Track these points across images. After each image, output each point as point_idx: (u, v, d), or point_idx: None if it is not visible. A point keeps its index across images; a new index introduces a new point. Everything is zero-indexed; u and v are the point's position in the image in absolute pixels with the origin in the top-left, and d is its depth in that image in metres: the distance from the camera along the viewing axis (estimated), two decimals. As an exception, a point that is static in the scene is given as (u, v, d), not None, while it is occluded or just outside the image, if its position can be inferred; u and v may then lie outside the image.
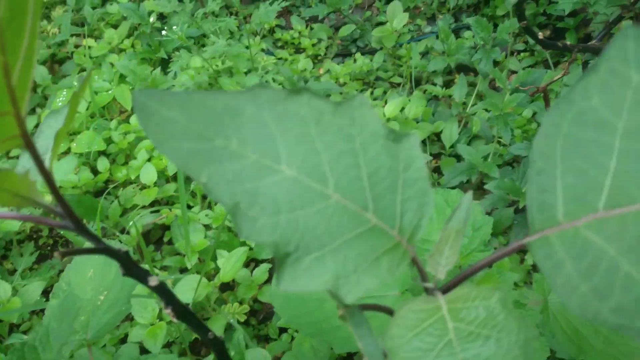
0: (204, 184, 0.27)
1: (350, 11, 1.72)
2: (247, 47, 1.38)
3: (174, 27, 1.05)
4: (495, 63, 1.46)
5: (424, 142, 1.26)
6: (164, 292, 0.40)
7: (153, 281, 0.39)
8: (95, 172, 1.16)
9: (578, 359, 0.61)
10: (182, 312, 0.41)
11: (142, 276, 0.39)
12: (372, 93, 1.41)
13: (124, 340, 0.88)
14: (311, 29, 1.64)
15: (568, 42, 0.71)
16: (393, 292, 0.57)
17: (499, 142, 1.21)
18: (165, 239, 1.07)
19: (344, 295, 0.28)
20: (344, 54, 1.59)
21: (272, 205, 0.27)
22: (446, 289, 0.33)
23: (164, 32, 1.10)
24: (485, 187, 1.01)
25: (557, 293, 0.26)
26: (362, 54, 1.56)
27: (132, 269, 0.38)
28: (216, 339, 0.46)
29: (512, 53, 1.50)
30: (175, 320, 0.42)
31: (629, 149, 0.25)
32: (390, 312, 0.36)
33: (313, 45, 1.57)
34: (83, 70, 1.45)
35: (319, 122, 0.29)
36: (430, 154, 1.26)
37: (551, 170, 0.27)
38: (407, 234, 0.31)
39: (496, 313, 0.29)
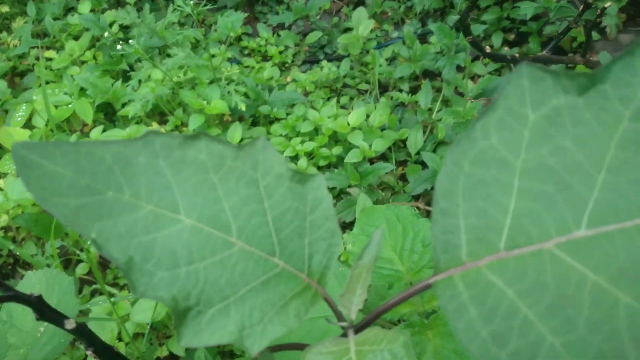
0: (93, 239, 0.26)
1: (317, 17, 1.72)
2: (213, 56, 1.36)
3: (131, 41, 1.04)
4: (461, 68, 1.46)
5: (390, 149, 1.26)
6: (83, 334, 0.39)
7: (70, 324, 0.38)
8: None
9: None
10: (103, 351, 0.40)
11: (57, 320, 0.38)
12: (338, 101, 1.41)
13: (81, 363, 0.86)
14: (278, 36, 1.63)
15: (517, 54, 0.71)
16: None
17: (463, 148, 1.22)
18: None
19: (249, 347, 0.27)
20: (311, 61, 1.59)
21: (170, 257, 0.26)
22: (360, 327, 0.33)
23: (119, 47, 1.08)
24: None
25: (458, 338, 0.26)
26: (330, 60, 1.55)
27: (46, 313, 0.37)
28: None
29: (477, 57, 1.51)
30: None
31: (527, 188, 0.25)
32: (301, 348, 0.36)
33: (280, 52, 1.57)
34: (46, 82, 1.43)
35: (220, 167, 0.28)
36: (396, 162, 1.25)
37: (454, 210, 0.27)
38: (316, 276, 0.30)
39: (399, 357, 0.28)
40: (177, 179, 0.27)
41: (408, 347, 0.29)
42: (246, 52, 1.59)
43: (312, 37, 1.57)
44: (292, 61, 1.58)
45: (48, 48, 1.55)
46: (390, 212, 0.69)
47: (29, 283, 0.59)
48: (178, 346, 0.27)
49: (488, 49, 0.68)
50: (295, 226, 0.29)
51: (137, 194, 0.27)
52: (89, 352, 0.40)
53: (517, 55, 0.71)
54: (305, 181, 0.29)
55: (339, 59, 1.55)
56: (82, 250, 1.05)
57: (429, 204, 1.17)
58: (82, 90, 1.30)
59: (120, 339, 0.86)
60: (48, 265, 1.04)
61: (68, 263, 1.08)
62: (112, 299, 0.87)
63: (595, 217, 0.23)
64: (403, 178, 1.24)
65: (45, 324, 0.58)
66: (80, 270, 1.00)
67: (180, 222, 0.27)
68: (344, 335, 0.33)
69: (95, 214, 0.26)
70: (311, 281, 0.30)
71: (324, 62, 1.49)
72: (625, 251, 0.22)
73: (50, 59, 1.45)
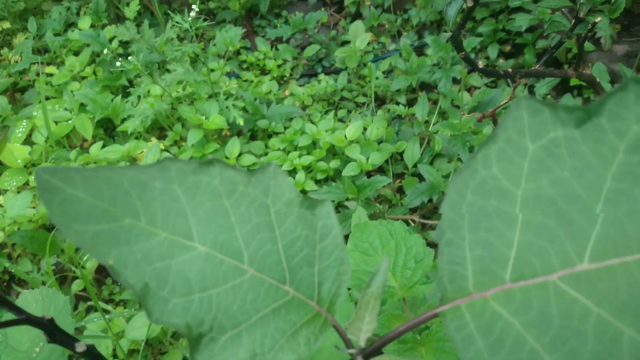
0: (110, 266, 0.26)
1: (315, 30, 1.73)
2: (212, 70, 1.37)
3: (130, 57, 1.05)
4: (457, 80, 1.48)
5: (387, 162, 1.27)
6: (92, 357, 0.39)
7: (80, 347, 0.38)
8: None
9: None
10: None
11: (68, 343, 0.38)
12: (336, 114, 1.42)
13: (82, 380, 0.86)
14: (276, 49, 1.65)
15: (510, 69, 0.72)
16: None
17: (461, 161, 1.23)
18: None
19: None
20: (309, 74, 1.60)
21: (184, 284, 0.27)
22: (369, 354, 0.34)
23: (118, 64, 1.09)
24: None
25: None
26: (327, 73, 1.57)
27: (57, 336, 0.37)
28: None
29: (473, 69, 1.53)
30: None
31: (529, 221, 0.26)
32: None
33: (278, 66, 1.58)
34: (46, 98, 1.43)
35: (232, 193, 0.29)
36: (393, 174, 1.26)
37: (460, 241, 0.28)
38: (326, 303, 0.31)
39: None
40: (191, 205, 0.28)
41: None
42: (245, 66, 1.60)
43: (310, 51, 1.59)
44: (290, 74, 1.60)
45: (49, 64, 1.56)
46: (383, 228, 0.69)
47: (25, 302, 0.59)
48: None
49: (480, 65, 0.69)
50: (305, 254, 0.30)
51: (152, 220, 0.27)
52: None
53: (509, 70, 0.72)
54: (314, 207, 0.30)
55: (337, 72, 1.57)
56: (77, 266, 1.05)
57: (424, 216, 1.17)
58: (82, 106, 1.31)
59: (115, 356, 0.86)
60: (44, 282, 1.04)
61: (64, 279, 1.08)
62: (107, 316, 0.87)
63: (597, 251, 0.24)
64: (400, 191, 1.25)
65: (41, 344, 0.58)
66: (76, 286, 1.00)
67: (194, 249, 0.28)
68: None
69: (112, 241, 0.26)
70: (321, 309, 0.31)
71: (322, 76, 1.51)
72: (627, 285, 0.22)
73: (50, 75, 1.46)
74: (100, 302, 1.02)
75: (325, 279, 0.30)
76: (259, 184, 0.29)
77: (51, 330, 0.37)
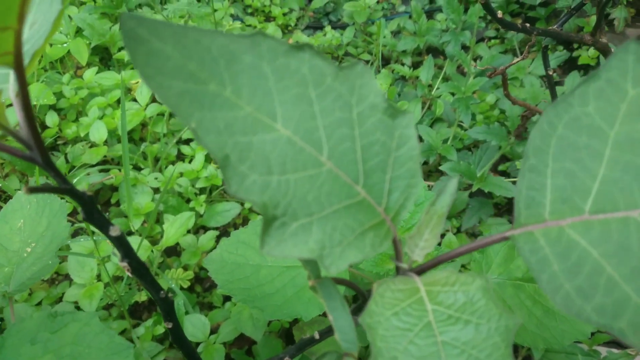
0: (193, 129, 0.25)
1: (325, -17, 1.69)
2: (215, 10, 1.33)
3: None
4: (465, 48, 1.45)
5: (386, 121, 1.25)
6: (122, 245, 0.38)
7: (115, 231, 0.36)
8: (43, 126, 1.11)
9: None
10: (138, 267, 0.39)
11: (103, 224, 0.36)
12: (339, 68, 1.39)
13: (61, 299, 0.85)
14: (284, -3, 1.60)
15: (527, 25, 0.70)
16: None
17: (461, 127, 1.21)
18: (113, 201, 1.03)
19: (327, 266, 0.27)
20: (315, 27, 1.56)
21: (264, 163, 0.26)
22: (420, 271, 0.33)
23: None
24: (440, 167, 1.00)
25: (542, 288, 0.27)
26: (334, 27, 1.53)
27: (94, 214, 0.35)
28: (167, 298, 0.45)
29: (482, 39, 1.50)
30: (130, 274, 0.40)
31: (618, 159, 0.26)
32: (357, 289, 0.36)
33: (284, 14, 1.54)
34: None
35: (319, 84, 0.28)
36: (392, 133, 1.25)
37: (542, 168, 0.28)
38: (392, 213, 0.30)
39: (476, 299, 0.28)
40: (278, 87, 0.27)
41: (486, 290, 0.29)
42: (249, 10, 1.56)
43: (318, 2, 1.55)
44: (296, 25, 1.56)
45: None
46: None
47: (18, 203, 0.57)
48: (260, 252, 0.28)
49: (500, 14, 0.67)
50: (380, 159, 0.29)
51: (238, 92, 0.26)
52: (123, 264, 0.39)
53: (527, 25, 0.71)
54: (396, 116, 0.29)
55: (343, 27, 1.53)
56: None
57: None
58: (79, 31, 1.26)
59: (99, 280, 0.84)
60: (31, 203, 1.01)
61: (52, 202, 1.05)
62: (95, 238, 0.85)
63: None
64: (398, 151, 1.24)
65: (33, 244, 0.57)
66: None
67: (276, 131, 0.27)
68: (401, 275, 0.33)
69: (196, 103, 0.25)
70: (386, 217, 0.30)
71: (328, 28, 1.47)
72: None
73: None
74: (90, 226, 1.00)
75: (395, 187, 0.30)
76: (345, 81, 0.28)
77: (89, 208, 0.35)
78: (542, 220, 0.28)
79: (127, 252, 0.37)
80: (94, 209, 0.35)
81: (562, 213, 0.27)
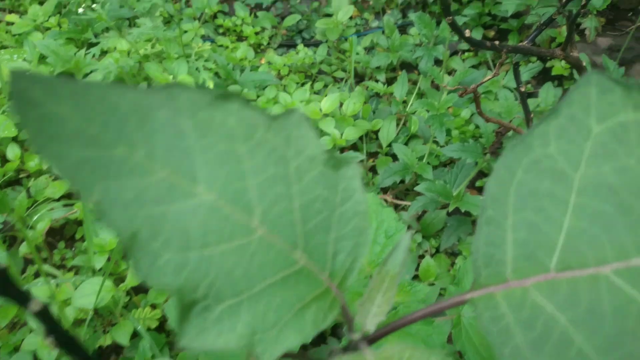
0: (95, 203, 0.21)
1: (298, 0, 1.67)
2: (185, 32, 1.30)
3: (94, 5, 0.97)
4: (439, 62, 1.44)
5: (361, 139, 1.23)
6: (45, 319, 0.34)
7: (36, 305, 0.33)
8: (4, 160, 1.07)
9: (488, 375, 0.58)
10: (66, 341, 0.35)
11: (21, 299, 0.32)
12: (312, 87, 1.37)
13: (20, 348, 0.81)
14: (255, 16, 1.58)
15: (497, 42, 0.68)
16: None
17: (436, 143, 1.19)
18: (78, 236, 0.99)
19: (259, 354, 0.23)
20: (288, 45, 1.54)
21: (181, 237, 0.22)
22: (373, 340, 0.30)
23: (81, 10, 1.02)
24: (416, 189, 0.98)
25: None
26: (307, 45, 1.51)
27: (9, 289, 0.32)
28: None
29: (456, 52, 1.49)
30: (55, 350, 0.36)
31: (584, 206, 0.24)
32: (298, 357, 0.32)
33: (256, 33, 1.51)
34: (4, 47, 1.34)
35: (249, 138, 0.24)
36: (367, 153, 1.22)
37: (502, 220, 0.25)
38: (338, 278, 0.27)
39: None
40: (200, 145, 0.23)
41: None
42: (221, 30, 1.53)
43: (290, 20, 1.53)
44: (268, 43, 1.53)
45: (10, 11, 1.46)
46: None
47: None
48: (177, 346, 0.23)
49: (467, 33, 0.65)
50: (322, 218, 0.26)
51: (151, 154, 0.22)
52: (48, 341, 0.35)
53: (497, 42, 0.69)
54: (340, 167, 0.26)
55: (316, 44, 1.51)
56: (26, 227, 0.98)
57: (397, 197, 1.14)
58: (43, 57, 1.23)
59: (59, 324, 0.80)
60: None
61: (13, 240, 1.01)
62: (54, 281, 0.81)
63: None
64: (373, 170, 1.22)
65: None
66: (25, 248, 0.94)
67: (197, 197, 0.23)
68: (353, 348, 0.29)
69: (100, 172, 0.21)
70: (332, 284, 0.27)
71: (301, 47, 1.45)
72: None
73: (11, 24, 1.37)
74: (49, 267, 0.96)
75: (341, 248, 0.26)
76: (280, 132, 0.24)
77: (3, 282, 0.31)
78: (504, 280, 0.25)
79: (52, 327, 0.34)
80: (8, 284, 0.31)
81: (525, 271, 0.24)
